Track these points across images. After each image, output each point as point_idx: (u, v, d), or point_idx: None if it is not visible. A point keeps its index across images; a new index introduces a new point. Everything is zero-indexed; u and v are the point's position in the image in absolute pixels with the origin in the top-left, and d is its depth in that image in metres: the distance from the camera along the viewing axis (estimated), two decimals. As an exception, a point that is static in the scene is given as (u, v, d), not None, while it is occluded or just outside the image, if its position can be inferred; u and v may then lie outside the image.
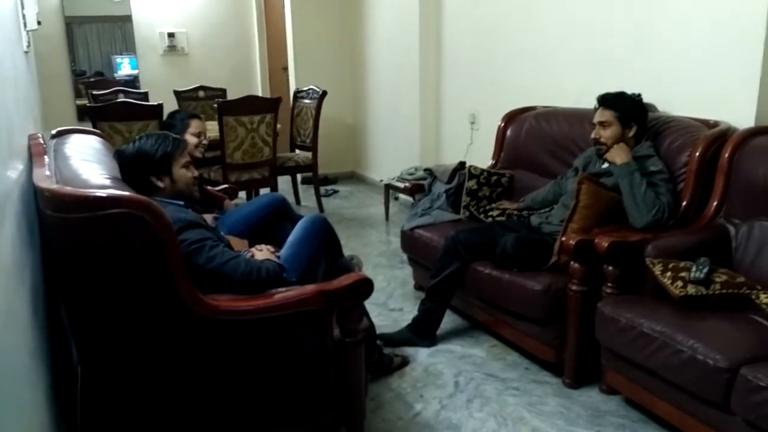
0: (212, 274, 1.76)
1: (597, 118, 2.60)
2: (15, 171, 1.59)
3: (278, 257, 2.11)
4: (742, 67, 2.50)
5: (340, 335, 1.83)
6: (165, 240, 1.50)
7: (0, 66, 1.62)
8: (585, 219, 2.42)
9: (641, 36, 2.96)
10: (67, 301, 1.67)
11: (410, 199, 3.72)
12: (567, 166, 2.99)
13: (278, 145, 4.65)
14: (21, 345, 1.28)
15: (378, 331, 2.61)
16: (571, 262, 2.33)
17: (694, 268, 2.04)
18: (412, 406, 2.34)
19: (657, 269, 2.12)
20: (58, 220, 1.47)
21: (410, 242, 3.21)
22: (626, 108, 2.56)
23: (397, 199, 5.22)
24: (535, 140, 3.30)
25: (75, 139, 2.11)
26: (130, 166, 1.94)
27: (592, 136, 2.62)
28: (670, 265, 2.11)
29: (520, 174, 3.32)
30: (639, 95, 2.60)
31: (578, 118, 3.08)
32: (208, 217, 2.49)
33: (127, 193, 1.49)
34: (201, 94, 5.70)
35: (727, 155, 2.37)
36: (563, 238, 2.39)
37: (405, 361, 2.63)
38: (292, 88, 5.70)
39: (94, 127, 3.71)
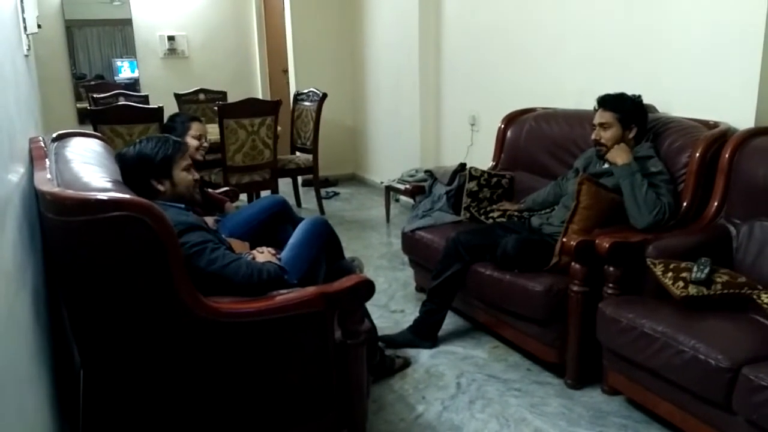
0: (213, 277, 1.76)
1: (597, 120, 2.60)
2: (16, 174, 1.60)
3: (279, 259, 2.11)
4: (741, 67, 2.50)
5: (341, 337, 1.83)
6: (166, 243, 1.50)
7: (0, 69, 1.63)
8: (586, 220, 2.42)
9: (641, 37, 2.97)
10: (69, 304, 1.67)
11: (411, 200, 3.73)
12: (567, 167, 2.99)
13: (279, 147, 4.66)
14: (23, 348, 1.29)
15: (379, 333, 2.60)
16: (572, 263, 2.33)
17: (695, 269, 2.04)
18: (414, 407, 2.34)
19: (658, 270, 2.12)
20: (60, 224, 1.47)
21: (411, 244, 3.21)
22: (626, 109, 2.56)
23: (397, 200, 5.22)
24: (535, 141, 3.30)
25: (76, 142, 2.10)
26: (131, 170, 1.94)
27: (593, 137, 2.62)
28: (671, 266, 2.11)
29: (521, 175, 3.33)
30: (639, 96, 2.60)
31: (578, 119, 3.09)
32: (209, 220, 2.49)
33: (128, 196, 1.49)
34: (201, 96, 5.70)
35: (727, 156, 2.37)
36: (564, 239, 2.39)
37: (407, 363, 2.63)
38: (293, 91, 5.70)
39: (95, 130, 3.71)
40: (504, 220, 3.01)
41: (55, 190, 1.47)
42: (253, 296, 1.76)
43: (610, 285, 2.25)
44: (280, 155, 4.78)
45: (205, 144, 3.10)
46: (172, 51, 6.41)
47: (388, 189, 4.80)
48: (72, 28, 6.14)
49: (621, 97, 2.59)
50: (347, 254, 2.64)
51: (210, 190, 3.12)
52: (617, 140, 2.54)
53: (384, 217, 4.90)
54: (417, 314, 2.84)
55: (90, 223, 1.42)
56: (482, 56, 4.22)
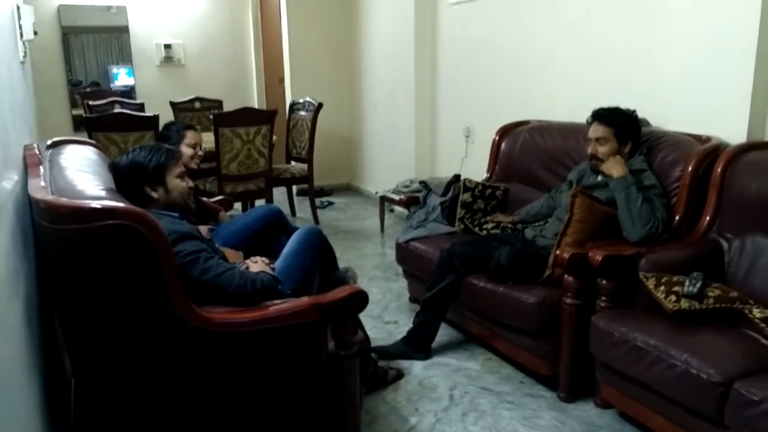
0: (207, 286, 1.76)
1: (593, 134, 2.61)
2: (10, 181, 1.59)
3: (273, 269, 2.11)
4: (733, 83, 2.52)
5: (334, 348, 1.83)
6: (160, 252, 1.50)
7: (-3, 77, 1.63)
8: (579, 232, 2.43)
9: (635, 52, 2.99)
10: (61, 313, 1.66)
11: (405, 211, 3.73)
12: (561, 180, 3.01)
13: (274, 156, 4.66)
14: (14, 356, 1.28)
15: (373, 344, 2.60)
16: (565, 276, 2.34)
17: (687, 283, 2.05)
18: (407, 419, 2.33)
19: (650, 283, 2.13)
20: (53, 231, 1.46)
21: (405, 255, 3.21)
22: (623, 124, 2.58)
23: (392, 211, 5.23)
24: (529, 154, 3.32)
25: (70, 149, 2.10)
26: (124, 178, 1.94)
27: (589, 151, 2.63)
28: (664, 279, 2.11)
29: (515, 187, 3.34)
30: (634, 111, 2.62)
31: (572, 132, 3.10)
32: (203, 229, 2.49)
33: (122, 204, 1.49)
34: (197, 105, 5.70)
35: (719, 170, 2.38)
36: (557, 252, 2.40)
37: (400, 374, 2.62)
38: (288, 100, 5.71)
39: (90, 137, 3.70)
40: (498, 231, 3.02)
41: (49, 197, 1.47)
42: (247, 306, 1.76)
43: (603, 298, 2.26)
44: (275, 164, 4.78)
45: (200, 152, 3.10)
46: (168, 59, 6.42)
47: (383, 199, 4.81)
48: (68, 35, 6.13)
49: (617, 111, 2.61)
50: (341, 264, 2.64)
51: (204, 198, 3.11)
52: (613, 154, 2.56)
53: (378, 228, 4.90)
54: (410, 325, 2.84)
55: (84, 232, 1.42)
56: (477, 69, 4.24)
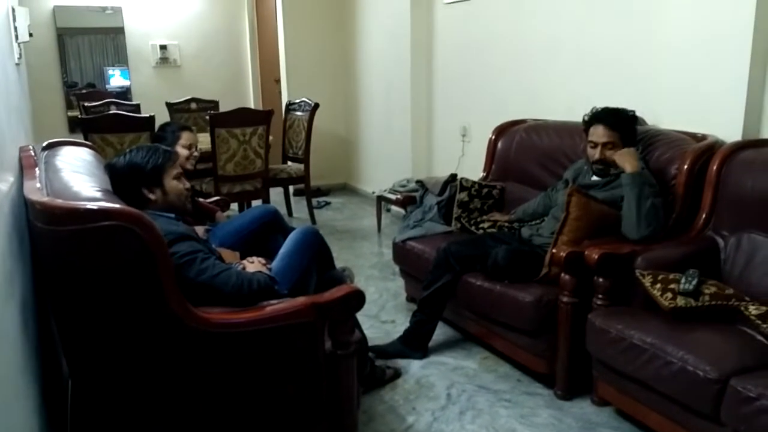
0: (203, 287, 1.75)
1: (600, 138, 2.54)
2: (5, 183, 1.59)
3: (270, 269, 2.11)
4: (728, 81, 2.53)
5: (331, 347, 1.83)
6: (156, 253, 1.50)
7: (-8, 78, 1.63)
8: (575, 231, 2.43)
9: (630, 51, 3.00)
10: (58, 314, 1.66)
11: (402, 210, 3.73)
12: (557, 178, 3.01)
13: (270, 157, 4.66)
14: (10, 358, 1.28)
15: (370, 343, 2.60)
16: (562, 274, 2.34)
17: (683, 280, 2.05)
18: (404, 418, 2.33)
19: (647, 281, 2.14)
20: (49, 233, 1.46)
21: (402, 254, 3.22)
22: (628, 126, 2.55)
23: (389, 210, 5.23)
24: (525, 153, 3.32)
25: (66, 151, 2.10)
26: (121, 179, 1.94)
27: (597, 156, 2.56)
28: (660, 277, 2.12)
29: (511, 186, 3.34)
30: (633, 112, 2.60)
31: (568, 131, 3.11)
32: (200, 230, 2.48)
33: (117, 205, 1.49)
34: (193, 106, 5.70)
35: (715, 168, 2.39)
36: (554, 250, 2.40)
37: (397, 374, 2.62)
38: (284, 100, 5.71)
39: (86, 138, 3.70)
40: (494, 230, 3.02)
41: (45, 199, 1.47)
42: (244, 306, 1.75)
43: (600, 296, 2.27)
44: (271, 165, 4.77)
45: (196, 153, 3.10)
46: (164, 60, 6.41)
47: (380, 199, 4.81)
48: (64, 37, 6.11)
49: (622, 113, 2.57)
50: (338, 264, 2.64)
51: (201, 199, 3.11)
52: None
53: (375, 227, 4.91)
54: (407, 325, 2.84)
55: (79, 233, 1.41)
56: (473, 68, 4.25)
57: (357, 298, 1.82)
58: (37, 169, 1.82)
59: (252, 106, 6.55)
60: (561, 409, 2.36)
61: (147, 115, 4.07)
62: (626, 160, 2.47)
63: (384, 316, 3.27)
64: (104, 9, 6.19)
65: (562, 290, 2.34)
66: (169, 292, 1.55)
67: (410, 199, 3.58)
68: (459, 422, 2.30)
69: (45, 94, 5.90)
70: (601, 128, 2.56)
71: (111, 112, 4.64)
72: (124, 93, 6.33)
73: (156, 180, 1.98)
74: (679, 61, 2.75)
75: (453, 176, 3.36)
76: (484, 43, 4.11)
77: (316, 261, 2.29)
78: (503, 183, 3.38)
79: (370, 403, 2.42)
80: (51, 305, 1.73)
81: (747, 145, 2.42)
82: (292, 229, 2.45)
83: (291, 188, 5.48)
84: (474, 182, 3.28)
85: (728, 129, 2.53)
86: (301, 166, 5.09)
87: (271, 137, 4.60)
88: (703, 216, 2.43)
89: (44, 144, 2.23)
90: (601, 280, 2.26)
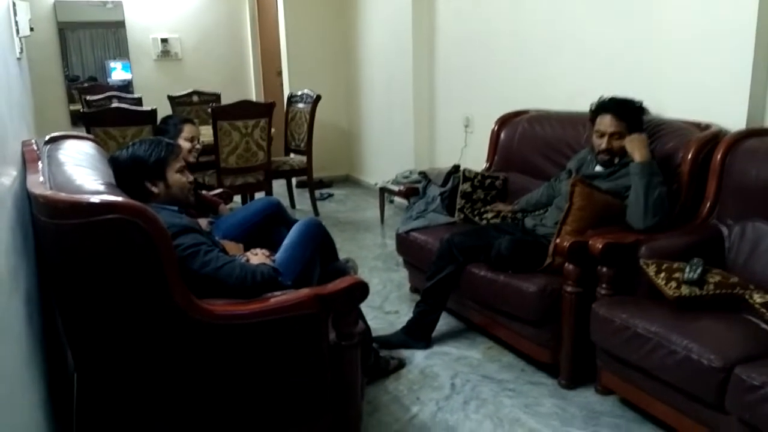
0: (207, 279, 1.76)
1: (607, 128, 2.53)
2: (9, 177, 1.59)
3: (273, 261, 2.11)
4: (733, 70, 2.51)
5: (335, 339, 1.84)
6: (160, 245, 1.50)
7: (-7, 72, 1.62)
8: (579, 221, 2.43)
9: (633, 40, 2.98)
10: (62, 308, 1.66)
11: (405, 202, 3.72)
12: (560, 169, 3.00)
13: (273, 149, 4.65)
14: (15, 352, 1.28)
15: (374, 334, 2.61)
16: (566, 264, 2.34)
17: (687, 269, 2.05)
18: (408, 408, 2.34)
19: (651, 270, 2.13)
20: (53, 227, 1.46)
21: (405, 245, 3.22)
22: (635, 117, 2.54)
23: (392, 202, 5.23)
24: (528, 143, 3.31)
25: (69, 144, 2.10)
26: (124, 172, 1.94)
27: (603, 146, 2.55)
28: (664, 266, 2.12)
29: (514, 176, 3.34)
30: (641, 102, 2.58)
31: (571, 121, 3.10)
32: (203, 222, 2.49)
33: (120, 198, 1.48)
34: (195, 98, 5.69)
35: (719, 157, 2.38)
36: (557, 240, 2.39)
37: (401, 364, 2.63)
38: (286, 93, 5.70)
39: (88, 132, 3.70)
40: (498, 221, 3.02)
41: (48, 193, 1.47)
42: (247, 298, 1.76)
43: (604, 285, 2.26)
44: (274, 157, 4.78)
45: (198, 146, 3.10)
46: (165, 53, 6.40)
47: (383, 190, 4.81)
48: (65, 31, 6.11)
49: (630, 103, 2.55)
50: (341, 255, 2.64)
51: (204, 192, 3.11)
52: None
53: (378, 219, 4.90)
54: (411, 315, 2.84)
55: (83, 226, 1.41)
56: (475, 58, 4.22)
57: (361, 290, 1.83)
58: (39, 163, 1.82)
59: (254, 98, 6.55)
60: (565, 398, 2.37)
61: (149, 108, 4.06)
62: (636, 147, 2.44)
63: (388, 306, 3.27)
64: (105, 3, 6.18)
65: (566, 280, 2.33)
66: (173, 285, 1.55)
67: (413, 190, 3.58)
68: (463, 412, 2.31)
69: (47, 88, 5.90)
70: (608, 118, 2.54)
71: (113, 105, 4.63)
72: (126, 86, 6.33)
73: (159, 173, 1.98)
74: (683, 50, 2.73)
75: (456, 167, 3.35)
76: (486, 33, 4.08)
77: (319, 252, 2.29)
78: (506, 173, 3.37)
79: (375, 394, 2.43)
80: (55, 299, 1.73)
81: (751, 133, 2.41)
82: (295, 221, 2.45)
83: (294, 180, 5.48)
84: (477, 173, 3.27)
85: (732, 118, 2.52)
86: (304, 158, 5.09)
87: (273, 129, 4.60)
88: (708, 205, 2.42)
89: (47, 138, 2.23)
90: (605, 269, 2.26)
